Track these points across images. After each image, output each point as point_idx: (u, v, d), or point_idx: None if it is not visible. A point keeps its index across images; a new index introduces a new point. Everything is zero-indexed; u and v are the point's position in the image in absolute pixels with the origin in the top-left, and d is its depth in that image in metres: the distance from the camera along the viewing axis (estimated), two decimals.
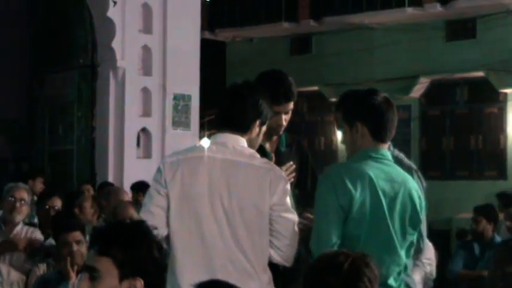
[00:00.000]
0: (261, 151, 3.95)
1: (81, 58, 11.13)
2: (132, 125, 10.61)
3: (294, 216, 3.70)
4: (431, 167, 14.88)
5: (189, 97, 10.99)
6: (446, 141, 15.93)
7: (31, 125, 12.07)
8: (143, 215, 3.67)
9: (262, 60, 14.08)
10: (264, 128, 3.82)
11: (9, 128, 12.17)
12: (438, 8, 15.12)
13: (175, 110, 10.87)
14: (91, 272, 2.69)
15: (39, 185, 9.53)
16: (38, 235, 6.44)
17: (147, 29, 10.77)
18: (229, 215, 3.62)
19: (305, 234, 3.70)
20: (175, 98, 10.87)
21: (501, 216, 8.39)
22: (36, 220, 7.79)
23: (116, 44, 10.49)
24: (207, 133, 10.35)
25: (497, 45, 14.69)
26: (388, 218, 3.56)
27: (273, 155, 4.25)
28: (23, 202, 6.38)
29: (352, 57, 16.13)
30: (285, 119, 4.22)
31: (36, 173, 10.10)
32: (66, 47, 11.32)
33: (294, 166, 4.07)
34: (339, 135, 14.74)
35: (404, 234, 3.61)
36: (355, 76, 15.37)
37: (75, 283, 5.12)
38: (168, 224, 3.66)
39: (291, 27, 16.94)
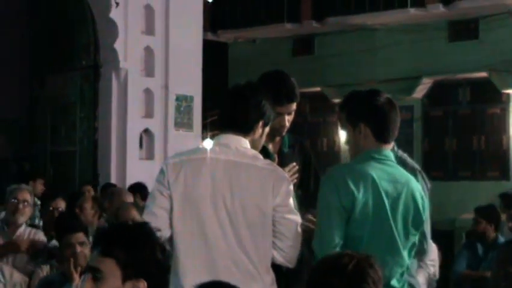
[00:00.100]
0: (264, 152, 3.95)
1: (83, 59, 11.14)
2: (135, 126, 10.63)
3: (297, 218, 3.70)
4: (433, 168, 14.84)
5: (192, 98, 11.01)
6: (448, 142, 15.92)
7: (32, 125, 12.08)
8: (146, 217, 3.66)
9: (265, 61, 14.05)
10: (266, 129, 3.82)
11: (10, 128, 12.18)
12: (441, 8, 15.11)
13: (178, 111, 10.88)
14: (94, 272, 2.69)
15: (39, 187, 9.55)
16: (41, 236, 6.45)
17: (149, 30, 10.79)
18: (232, 216, 3.61)
19: (308, 235, 3.70)
20: (177, 99, 10.88)
21: (503, 216, 8.39)
22: (36, 221, 7.81)
23: (118, 45, 10.51)
24: (209, 134, 10.34)
25: (499, 45, 14.68)
26: (390, 218, 3.56)
27: (275, 156, 4.25)
28: (26, 204, 6.38)
29: (355, 58, 16.12)
30: (287, 119, 4.22)
31: (37, 175, 10.11)
32: (68, 47, 11.33)
33: (296, 167, 4.07)
34: (342, 136, 14.79)
35: (407, 235, 3.61)
36: (357, 77, 15.35)
37: (78, 285, 5.11)
38: (171, 226, 3.66)
39: (294, 28, 16.93)
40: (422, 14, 15.34)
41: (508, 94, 15.13)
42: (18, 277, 5.81)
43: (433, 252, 6.25)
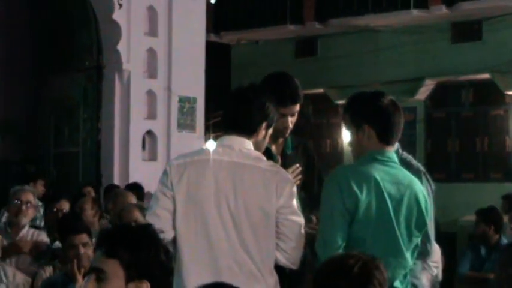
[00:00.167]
0: (267, 153, 3.95)
1: (86, 60, 11.15)
2: (138, 127, 10.63)
3: (300, 219, 3.70)
4: (436, 169, 14.80)
5: (195, 99, 11.01)
6: (451, 144, 15.90)
7: (35, 126, 12.08)
8: (149, 218, 3.66)
9: (268, 63, 14.06)
10: (270, 131, 3.82)
11: (13, 129, 12.17)
12: (444, 10, 15.09)
13: (181, 113, 10.89)
14: (97, 273, 2.69)
15: (40, 188, 9.55)
16: (44, 238, 6.45)
17: (152, 31, 10.80)
18: (236, 218, 3.61)
19: (311, 237, 3.70)
20: (180, 100, 10.89)
21: (506, 218, 8.38)
22: (38, 222, 7.80)
23: (121, 47, 10.52)
24: (212, 135, 10.36)
25: (503, 47, 14.66)
26: (394, 220, 3.55)
27: (279, 158, 4.25)
28: (29, 205, 6.39)
29: (358, 59, 16.10)
30: (291, 121, 4.22)
31: (37, 176, 10.11)
32: (71, 49, 11.34)
33: (300, 168, 4.06)
34: (345, 137, 14.77)
35: (410, 236, 3.61)
36: (360, 78, 15.34)
37: (81, 286, 5.11)
38: (174, 227, 3.66)
39: (296, 30, 16.92)
40: (425, 15, 15.32)
41: (511, 96, 15.11)
42: (21, 278, 5.81)
43: (436, 253, 6.25)
